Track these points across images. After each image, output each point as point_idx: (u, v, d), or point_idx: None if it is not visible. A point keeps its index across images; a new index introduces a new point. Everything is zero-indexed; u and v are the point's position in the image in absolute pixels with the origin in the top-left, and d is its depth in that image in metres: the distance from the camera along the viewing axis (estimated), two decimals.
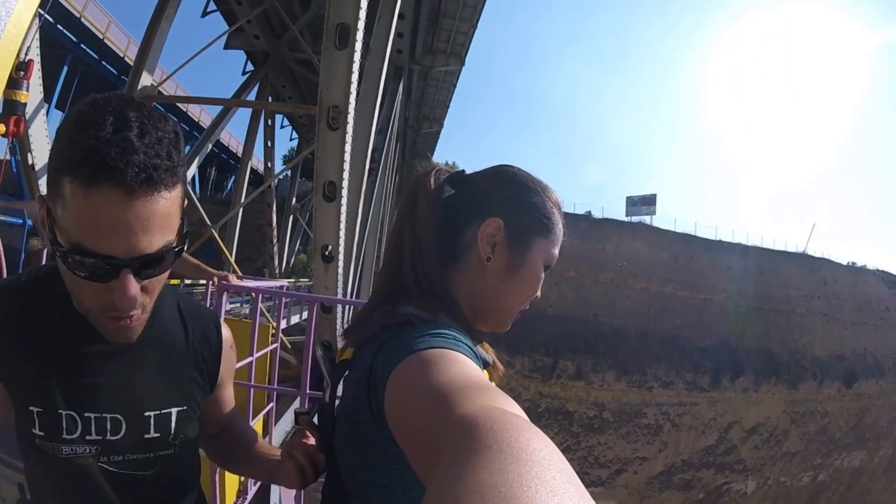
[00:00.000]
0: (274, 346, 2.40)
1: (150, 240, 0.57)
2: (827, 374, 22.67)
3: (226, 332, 0.84)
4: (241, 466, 0.93)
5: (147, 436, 0.69)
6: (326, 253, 4.50)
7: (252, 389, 2.07)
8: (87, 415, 0.64)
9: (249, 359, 2.07)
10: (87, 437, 0.65)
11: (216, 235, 8.39)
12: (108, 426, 0.66)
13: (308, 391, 2.14)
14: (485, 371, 0.59)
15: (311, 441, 0.76)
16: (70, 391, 0.64)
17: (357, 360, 0.66)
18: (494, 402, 0.39)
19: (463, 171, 0.79)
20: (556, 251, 0.75)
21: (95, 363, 0.65)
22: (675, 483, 17.72)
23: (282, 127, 18.14)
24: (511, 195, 0.73)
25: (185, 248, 0.63)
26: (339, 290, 4.75)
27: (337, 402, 0.72)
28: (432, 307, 0.66)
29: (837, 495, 22.83)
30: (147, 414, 0.69)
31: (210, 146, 11.02)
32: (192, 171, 10.17)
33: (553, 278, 17.89)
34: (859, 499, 23.97)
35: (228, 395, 0.90)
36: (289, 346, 7.27)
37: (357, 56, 4.06)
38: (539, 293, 0.74)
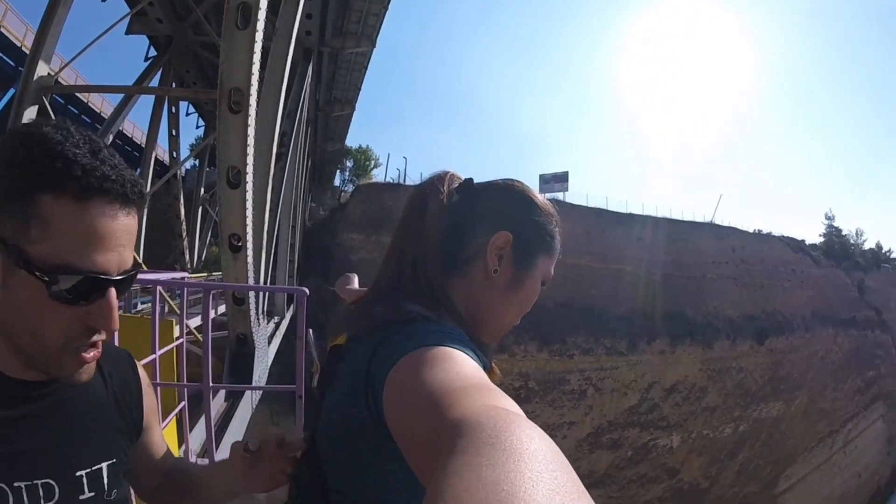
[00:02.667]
0: (179, 341, 2.36)
1: (129, 256, 0.61)
2: (739, 333, 25.44)
3: (142, 372, 0.84)
4: None
5: (82, 497, 0.67)
6: (235, 242, 4.51)
7: (159, 389, 2.05)
8: (16, 484, 0.61)
9: (152, 356, 2.04)
10: None
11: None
12: (41, 493, 0.63)
13: (211, 384, 2.14)
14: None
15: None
16: None
17: (353, 351, 0.67)
18: (495, 401, 0.43)
19: (471, 179, 0.82)
20: (552, 268, 0.81)
21: (19, 427, 0.63)
22: (603, 443, 19.44)
23: (187, 114, 18.04)
24: (521, 211, 0.78)
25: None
26: (251, 280, 4.79)
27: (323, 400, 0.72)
28: (435, 308, 0.70)
29: (759, 443, 25.55)
30: (78, 474, 0.67)
31: (111, 137, 10.85)
32: None
33: None
34: (780, 444, 26.92)
35: (158, 439, 0.88)
36: (201, 341, 7.51)
37: (259, 36, 4.06)
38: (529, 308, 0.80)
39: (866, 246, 44.52)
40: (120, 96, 11.11)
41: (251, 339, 4.98)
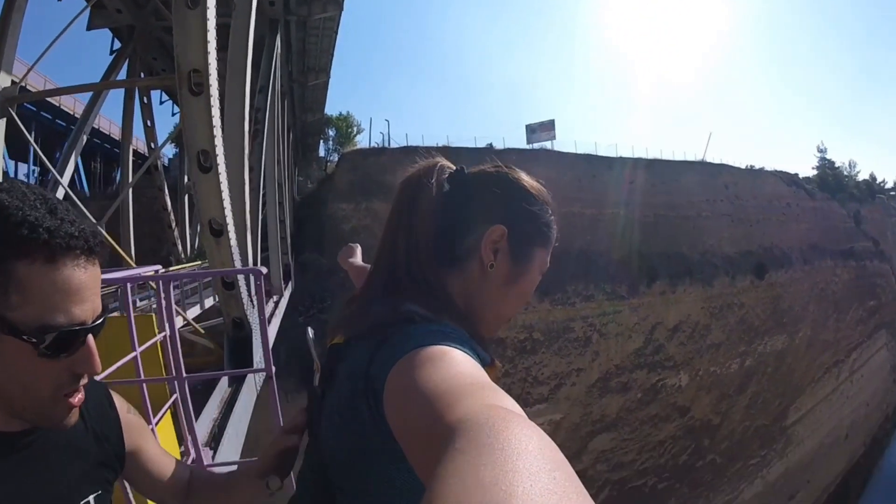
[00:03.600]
0: (163, 334, 2.37)
1: (99, 300, 0.66)
2: (738, 270, 25.75)
3: (118, 400, 0.87)
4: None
5: None
6: (215, 227, 4.43)
7: (145, 386, 2.06)
8: None
9: (133, 353, 2.07)
10: None
11: (104, 232, 8.62)
12: None
13: (185, 374, 2.19)
14: (486, 368, 0.62)
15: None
16: None
17: (353, 352, 0.68)
18: (493, 401, 0.43)
19: (462, 168, 0.80)
20: (549, 258, 0.80)
21: (7, 477, 0.65)
22: (612, 387, 19.82)
23: (161, 103, 17.94)
24: (516, 202, 0.76)
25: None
26: (237, 263, 4.74)
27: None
28: (433, 307, 0.70)
29: (766, 377, 26.08)
30: None
31: (85, 137, 10.60)
32: (71, 166, 9.84)
33: None
34: (787, 377, 27.49)
35: (157, 455, 0.91)
36: (201, 331, 7.23)
37: (212, 13, 3.96)
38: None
39: (860, 177, 44.88)
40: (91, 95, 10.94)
41: (247, 322, 4.99)
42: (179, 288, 8.48)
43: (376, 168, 19.89)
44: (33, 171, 20.15)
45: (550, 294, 19.42)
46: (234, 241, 4.55)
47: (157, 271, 3.22)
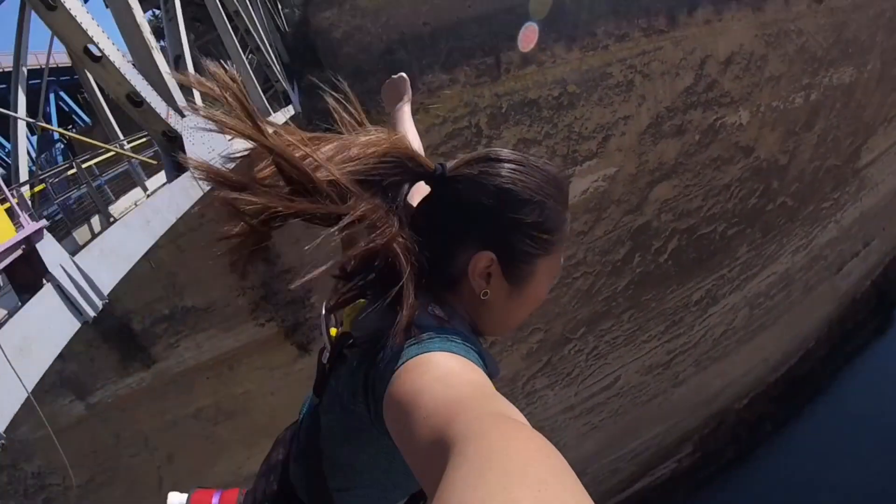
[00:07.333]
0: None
1: None
2: None
3: None
4: None
5: None
6: (94, 53, 4.07)
7: None
8: None
9: None
10: None
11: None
12: None
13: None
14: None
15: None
16: None
17: (354, 353, 0.67)
18: (491, 408, 0.42)
19: (441, 167, 0.67)
20: (562, 257, 0.69)
21: None
22: (666, 132, 17.96)
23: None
24: (503, 217, 0.64)
25: None
26: (138, 80, 4.37)
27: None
28: (441, 312, 0.64)
29: (834, 112, 23.61)
30: None
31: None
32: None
33: None
34: (857, 114, 24.90)
35: None
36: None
37: None
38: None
39: None
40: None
41: (176, 131, 4.60)
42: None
43: None
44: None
45: (578, 41, 16.98)
46: (118, 61, 4.12)
47: None
